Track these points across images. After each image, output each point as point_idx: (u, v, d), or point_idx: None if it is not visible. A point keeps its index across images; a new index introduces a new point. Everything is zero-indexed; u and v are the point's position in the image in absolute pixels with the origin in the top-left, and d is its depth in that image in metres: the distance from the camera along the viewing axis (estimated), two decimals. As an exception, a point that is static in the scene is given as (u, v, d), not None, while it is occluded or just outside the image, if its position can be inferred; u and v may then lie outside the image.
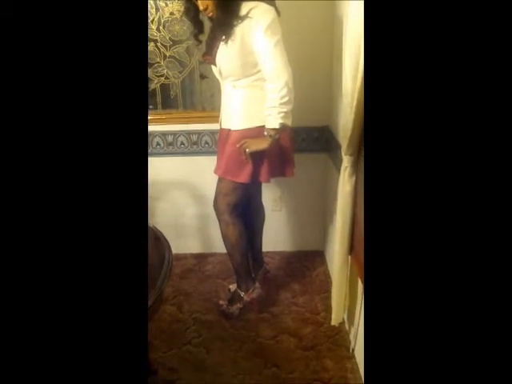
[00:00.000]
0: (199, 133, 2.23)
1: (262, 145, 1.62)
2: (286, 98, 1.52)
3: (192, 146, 2.25)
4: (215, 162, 1.86)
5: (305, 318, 1.94)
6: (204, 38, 1.75)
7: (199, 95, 2.26)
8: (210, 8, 1.54)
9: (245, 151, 1.63)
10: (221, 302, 2.01)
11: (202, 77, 2.18)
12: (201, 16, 1.67)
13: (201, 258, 2.45)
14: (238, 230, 1.86)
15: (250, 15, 1.50)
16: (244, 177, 1.71)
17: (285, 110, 1.54)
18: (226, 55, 1.60)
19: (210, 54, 1.68)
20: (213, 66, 1.73)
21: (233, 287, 2.08)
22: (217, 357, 1.73)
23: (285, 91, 1.51)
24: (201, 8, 1.55)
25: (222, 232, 1.88)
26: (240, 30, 1.53)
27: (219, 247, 2.03)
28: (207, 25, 1.72)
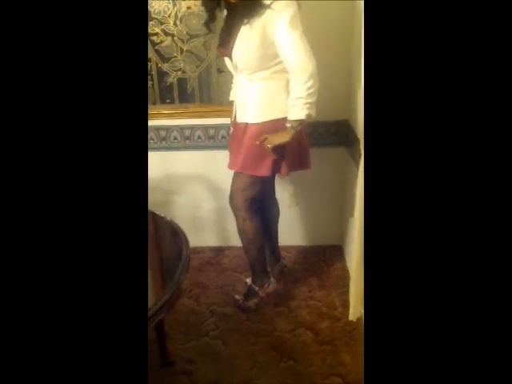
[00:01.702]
0: (216, 127, 2.23)
1: (284, 138, 1.61)
2: (312, 89, 1.53)
3: (209, 140, 2.26)
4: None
5: (322, 313, 1.93)
6: (215, 27, 1.74)
7: (216, 89, 2.26)
8: None
9: (267, 146, 1.62)
10: (237, 297, 2.01)
11: (219, 71, 2.19)
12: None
13: (218, 251, 2.46)
14: (255, 225, 1.86)
15: (272, 6, 1.49)
16: (264, 170, 1.70)
17: (310, 100, 1.54)
18: (245, 46, 1.59)
19: (225, 47, 1.66)
20: (226, 60, 1.72)
21: (249, 281, 2.09)
22: (233, 349, 1.74)
23: (311, 82, 1.52)
24: None
25: (238, 227, 1.88)
26: (262, 20, 1.52)
27: (236, 241, 2.04)
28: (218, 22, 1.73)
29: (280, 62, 1.60)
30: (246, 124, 1.72)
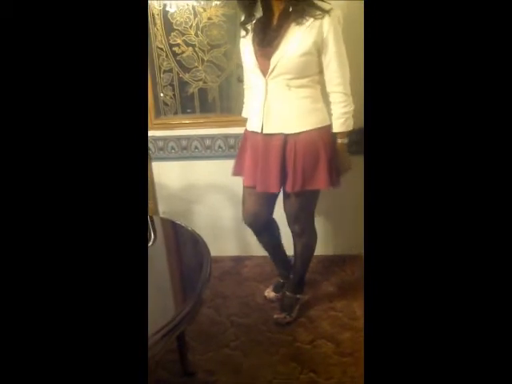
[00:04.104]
0: (236, 136, 2.23)
1: (346, 153, 1.69)
2: (351, 102, 1.60)
3: (229, 149, 2.27)
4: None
5: (342, 324, 1.91)
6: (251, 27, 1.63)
7: (236, 99, 2.27)
8: None
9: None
10: (275, 317, 1.95)
11: (240, 80, 2.19)
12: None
13: (238, 260, 2.46)
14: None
15: (332, 13, 1.47)
16: (325, 183, 1.64)
17: (352, 113, 1.61)
18: (295, 47, 1.49)
19: (266, 46, 1.55)
20: (255, 64, 1.58)
21: (269, 293, 2.08)
22: (254, 360, 1.72)
23: (350, 97, 1.59)
24: None
25: (304, 245, 1.88)
26: (318, 24, 1.47)
27: (256, 250, 2.04)
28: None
29: (317, 73, 1.58)
30: (285, 135, 1.60)
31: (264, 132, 1.63)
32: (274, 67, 1.53)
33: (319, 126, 1.60)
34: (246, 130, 1.76)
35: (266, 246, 1.99)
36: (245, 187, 1.79)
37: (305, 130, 1.59)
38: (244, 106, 1.88)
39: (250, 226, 1.87)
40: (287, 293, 2.01)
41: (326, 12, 1.46)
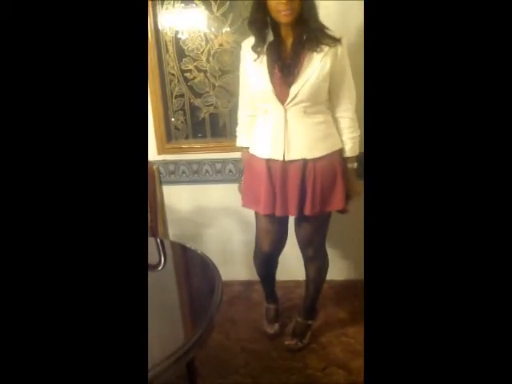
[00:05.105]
0: (247, 160, 2.24)
1: (355, 179, 1.72)
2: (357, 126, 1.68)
3: (240, 173, 2.27)
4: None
5: (355, 350, 1.87)
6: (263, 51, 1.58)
7: (247, 123, 2.28)
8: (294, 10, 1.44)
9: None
10: (286, 343, 1.93)
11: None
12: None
13: (247, 285, 2.44)
14: None
15: (343, 42, 1.53)
16: (340, 203, 1.68)
17: (359, 138, 1.68)
18: (316, 74, 1.51)
19: (287, 74, 1.54)
20: (271, 91, 1.54)
21: (271, 327, 2.03)
22: (264, 388, 1.69)
23: (357, 124, 1.66)
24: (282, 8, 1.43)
25: (319, 268, 1.88)
26: (333, 51, 1.52)
27: (266, 275, 2.02)
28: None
29: (328, 99, 1.63)
30: (305, 160, 1.61)
31: (286, 159, 1.61)
32: (296, 95, 1.53)
33: (334, 149, 1.64)
34: (252, 157, 1.72)
35: (267, 273, 1.98)
36: (262, 216, 1.75)
37: (324, 154, 1.61)
38: (241, 134, 1.84)
39: (269, 254, 1.87)
40: (299, 319, 1.99)
41: (337, 40, 1.51)
